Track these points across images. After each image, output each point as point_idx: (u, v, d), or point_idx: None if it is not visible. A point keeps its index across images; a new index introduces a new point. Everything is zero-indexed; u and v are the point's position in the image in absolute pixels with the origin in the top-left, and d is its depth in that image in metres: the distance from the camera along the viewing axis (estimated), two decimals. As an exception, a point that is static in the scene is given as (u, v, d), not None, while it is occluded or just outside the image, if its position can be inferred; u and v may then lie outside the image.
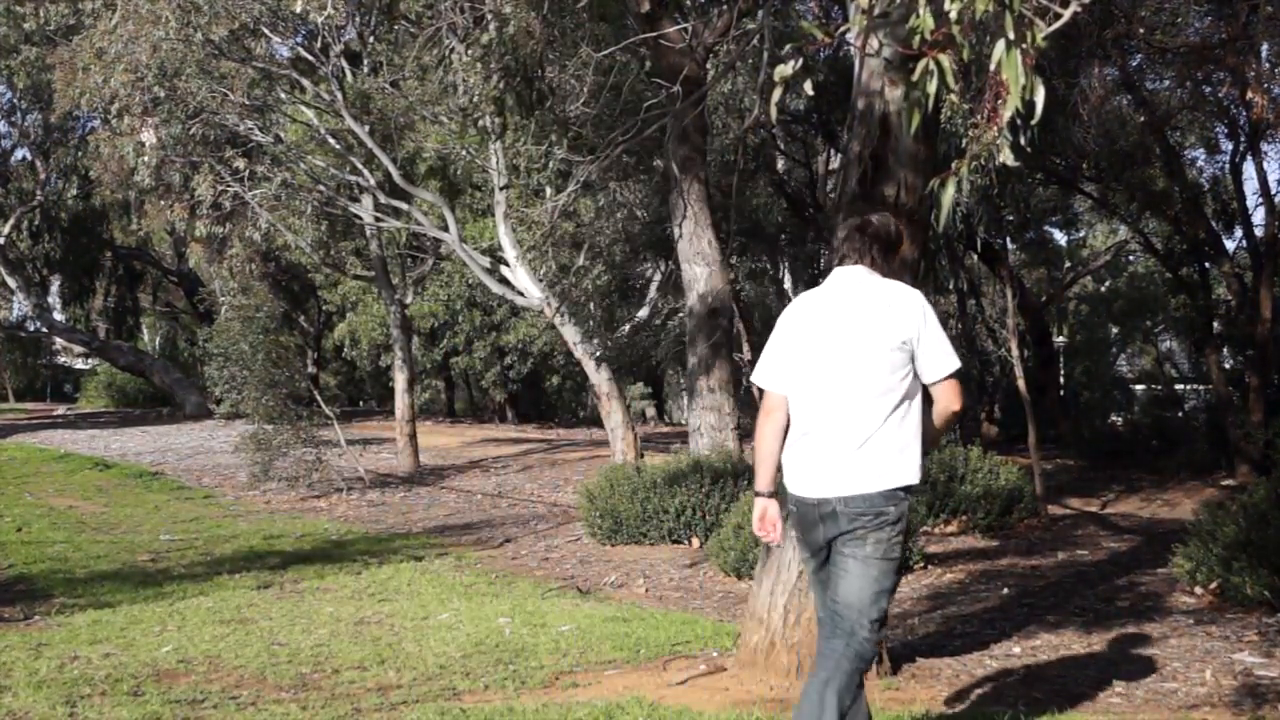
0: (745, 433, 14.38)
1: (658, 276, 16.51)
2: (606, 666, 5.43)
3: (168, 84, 12.33)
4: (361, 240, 18.09)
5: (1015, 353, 11.93)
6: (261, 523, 11.80)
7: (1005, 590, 7.64)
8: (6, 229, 23.63)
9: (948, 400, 3.56)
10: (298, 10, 11.74)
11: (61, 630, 6.53)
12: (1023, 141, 3.33)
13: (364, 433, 20.40)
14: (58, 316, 27.89)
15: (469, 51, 9.39)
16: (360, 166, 14.16)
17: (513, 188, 13.87)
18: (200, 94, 12.66)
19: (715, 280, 10.60)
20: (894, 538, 3.49)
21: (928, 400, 3.65)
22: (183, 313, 33.65)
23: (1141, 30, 10.13)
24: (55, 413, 26.50)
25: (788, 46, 3.35)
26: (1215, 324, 15.10)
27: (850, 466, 3.47)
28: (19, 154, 24.70)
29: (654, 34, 9.27)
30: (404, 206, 14.25)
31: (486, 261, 13.21)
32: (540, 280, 12.86)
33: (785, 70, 3.22)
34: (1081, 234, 24.12)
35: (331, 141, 14.52)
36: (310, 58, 13.57)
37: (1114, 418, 19.93)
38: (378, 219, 14.94)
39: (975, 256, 17.89)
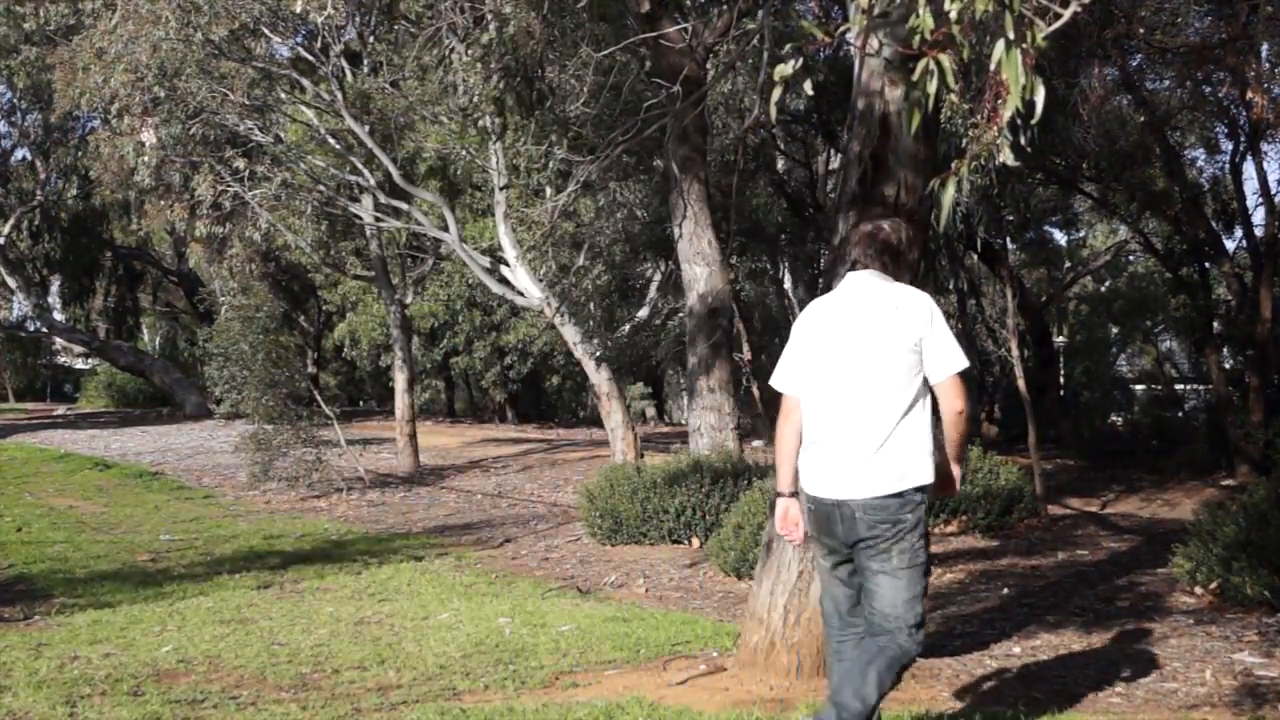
0: (745, 433, 14.40)
1: (658, 276, 16.51)
2: (606, 666, 5.43)
3: (168, 84, 12.33)
4: (361, 240, 18.10)
5: (1015, 353, 11.93)
6: (261, 523, 11.80)
7: (1005, 590, 7.64)
8: (6, 229, 23.64)
9: (950, 399, 3.61)
10: (298, 10, 11.74)
11: (61, 630, 6.53)
12: (1023, 141, 3.33)
13: (364, 433, 20.41)
14: (58, 316, 27.89)
15: (469, 51, 9.39)
16: (360, 166, 14.17)
17: (513, 188, 13.87)
18: (200, 94, 12.66)
19: (715, 280, 10.60)
20: (916, 544, 3.60)
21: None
22: (183, 313, 33.65)
23: (1141, 30, 10.12)
24: (55, 413, 26.51)
25: (788, 46, 3.35)
26: (1215, 324, 15.10)
27: (866, 468, 3.56)
28: (19, 154, 24.73)
29: (654, 34, 9.27)
30: (404, 206, 14.25)
31: (486, 261, 13.21)
32: (540, 280, 12.86)
33: (785, 70, 3.22)
34: (1081, 234, 24.12)
35: (331, 141, 14.52)
36: (310, 58, 13.57)
37: (1114, 418, 19.93)
38: (378, 219, 14.94)
39: (975, 256, 17.90)
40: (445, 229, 13.66)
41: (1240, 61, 10.27)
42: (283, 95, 14.05)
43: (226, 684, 5.15)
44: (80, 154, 21.95)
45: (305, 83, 13.57)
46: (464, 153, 14.01)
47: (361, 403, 32.30)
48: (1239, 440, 13.02)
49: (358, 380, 31.93)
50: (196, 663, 5.55)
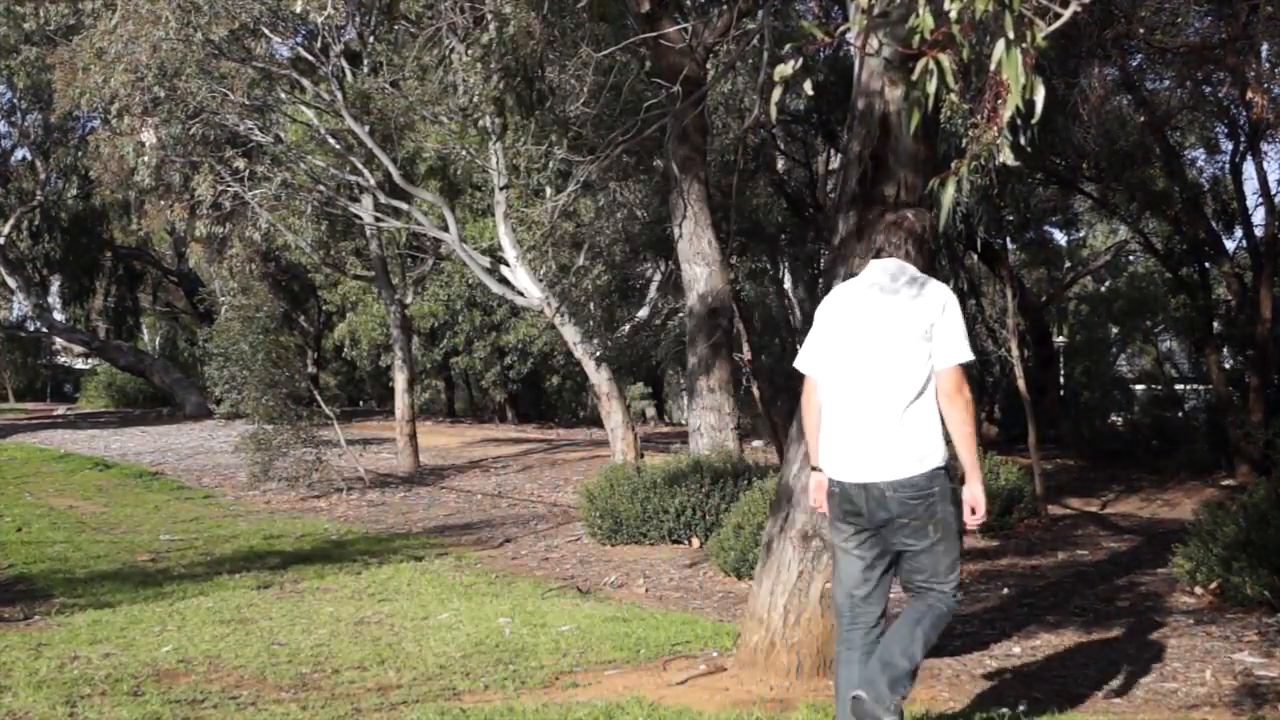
0: (745, 433, 14.40)
1: (658, 276, 16.51)
2: (606, 666, 5.43)
3: (168, 84, 12.33)
4: (361, 240, 18.10)
5: (1015, 353, 11.92)
6: (261, 523, 11.80)
7: (1005, 590, 7.64)
8: (6, 229, 23.63)
9: (947, 384, 3.67)
10: (298, 10, 11.74)
11: (61, 630, 6.53)
12: (1023, 141, 3.34)
13: (364, 433, 20.41)
14: (58, 316, 27.89)
15: (469, 51, 9.38)
16: (360, 166, 14.16)
17: (513, 188, 13.87)
18: (200, 94, 12.66)
19: (715, 280, 10.60)
20: (947, 512, 3.71)
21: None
22: (183, 313, 33.65)
23: (1141, 30, 10.12)
24: (55, 413, 26.50)
25: (788, 46, 3.35)
26: (1215, 324, 15.09)
27: (887, 450, 3.66)
28: (19, 154, 24.72)
29: (654, 34, 9.27)
30: (404, 206, 14.25)
31: (486, 261, 13.21)
32: (540, 280, 12.86)
33: (785, 70, 3.22)
34: (1081, 234, 24.11)
35: (331, 141, 14.52)
36: (310, 58, 13.57)
37: (1114, 418, 19.92)
38: (378, 219, 14.94)
39: (975, 256, 17.89)
40: (445, 229, 13.66)
41: (1240, 61, 10.27)
42: (283, 95, 14.05)
43: (226, 684, 5.15)
44: (80, 154, 21.95)
45: (305, 83, 13.57)
46: (464, 153, 14.01)
47: (361, 403, 32.29)
48: (1239, 440, 13.01)
49: (358, 380, 31.92)
50: (196, 663, 5.55)
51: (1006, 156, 3.16)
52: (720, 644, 5.80)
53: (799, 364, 4.00)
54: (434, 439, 19.73)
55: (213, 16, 11.74)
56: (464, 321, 22.62)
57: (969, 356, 3.69)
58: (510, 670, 5.33)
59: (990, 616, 6.83)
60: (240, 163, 13.95)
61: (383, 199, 14.41)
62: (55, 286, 29.99)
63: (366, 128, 13.63)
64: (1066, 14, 2.95)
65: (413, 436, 16.33)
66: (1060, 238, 22.34)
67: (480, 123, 11.82)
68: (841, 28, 3.51)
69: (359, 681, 5.18)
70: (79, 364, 36.61)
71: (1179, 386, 18.86)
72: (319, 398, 15.91)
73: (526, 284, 12.60)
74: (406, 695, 4.91)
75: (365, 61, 14.57)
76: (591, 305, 15.56)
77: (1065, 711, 4.70)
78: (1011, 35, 2.86)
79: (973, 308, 20.55)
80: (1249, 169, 14.50)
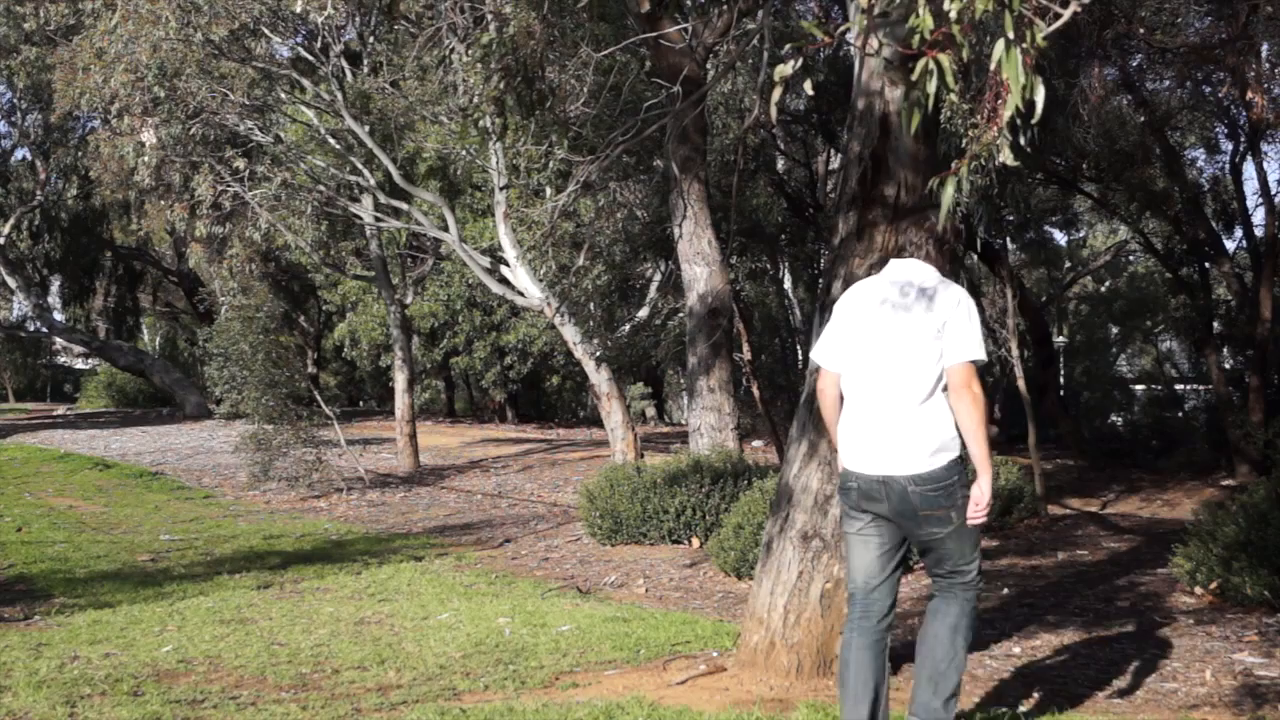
0: (745, 433, 14.39)
1: (658, 276, 16.51)
2: (606, 666, 5.43)
3: (168, 84, 12.33)
4: (361, 240, 18.10)
5: (1015, 353, 11.92)
6: (261, 523, 11.80)
7: (1005, 590, 7.64)
8: (6, 229, 23.63)
9: (955, 381, 3.74)
10: (298, 10, 11.75)
11: (61, 630, 6.53)
12: (1023, 141, 3.34)
13: (364, 433, 20.41)
14: (58, 316, 27.89)
15: (469, 52, 9.38)
16: (360, 166, 14.17)
17: (513, 188, 13.87)
18: (200, 94, 12.66)
19: (715, 280, 10.60)
20: (964, 496, 3.80)
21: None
22: (183, 313, 33.65)
23: (1141, 30, 10.12)
24: (55, 413, 26.51)
25: (788, 46, 3.35)
26: (1215, 324, 15.09)
27: (908, 443, 3.75)
28: (19, 154, 24.72)
29: (654, 34, 9.27)
30: (404, 206, 14.26)
31: (486, 261, 13.21)
32: (540, 280, 12.86)
33: (785, 70, 3.22)
34: (1081, 234, 24.10)
35: (331, 141, 14.52)
36: (310, 58, 13.58)
37: (1114, 418, 19.92)
38: (378, 219, 14.94)
39: (975, 256, 17.88)
40: (445, 229, 13.66)
41: (1240, 61, 10.27)
42: (283, 95, 14.05)
43: (226, 684, 5.15)
44: (80, 154, 21.94)
45: (305, 83, 13.57)
46: (464, 153, 14.01)
47: (361, 403, 32.29)
48: (1239, 440, 13.01)
49: (358, 380, 31.91)
50: (196, 663, 5.55)
51: (1006, 156, 3.16)
52: (720, 644, 5.80)
53: (815, 356, 4.11)
54: (434, 439, 19.73)
55: (213, 16, 11.74)
56: (464, 321, 22.60)
57: (980, 355, 3.75)
58: (510, 670, 5.33)
59: (990, 616, 6.83)
60: (240, 163, 13.96)
61: (383, 199, 14.41)
62: (55, 286, 29.98)
63: (366, 128, 13.63)
64: (1066, 14, 2.95)
65: (413, 436, 16.33)
66: (1060, 238, 22.35)
67: (480, 123, 11.81)
68: (841, 28, 3.51)
69: (359, 681, 5.18)
70: (79, 364, 36.61)
71: (1179, 386, 18.86)
72: (319, 398, 15.91)
73: (526, 284, 12.59)
74: (406, 695, 4.91)
75: (365, 61, 14.57)
76: (591, 305, 15.56)
77: (1065, 711, 4.70)
78: (1011, 35, 2.86)
79: (973, 308, 20.50)
80: (1249, 169, 14.52)
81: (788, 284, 19.81)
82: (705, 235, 10.57)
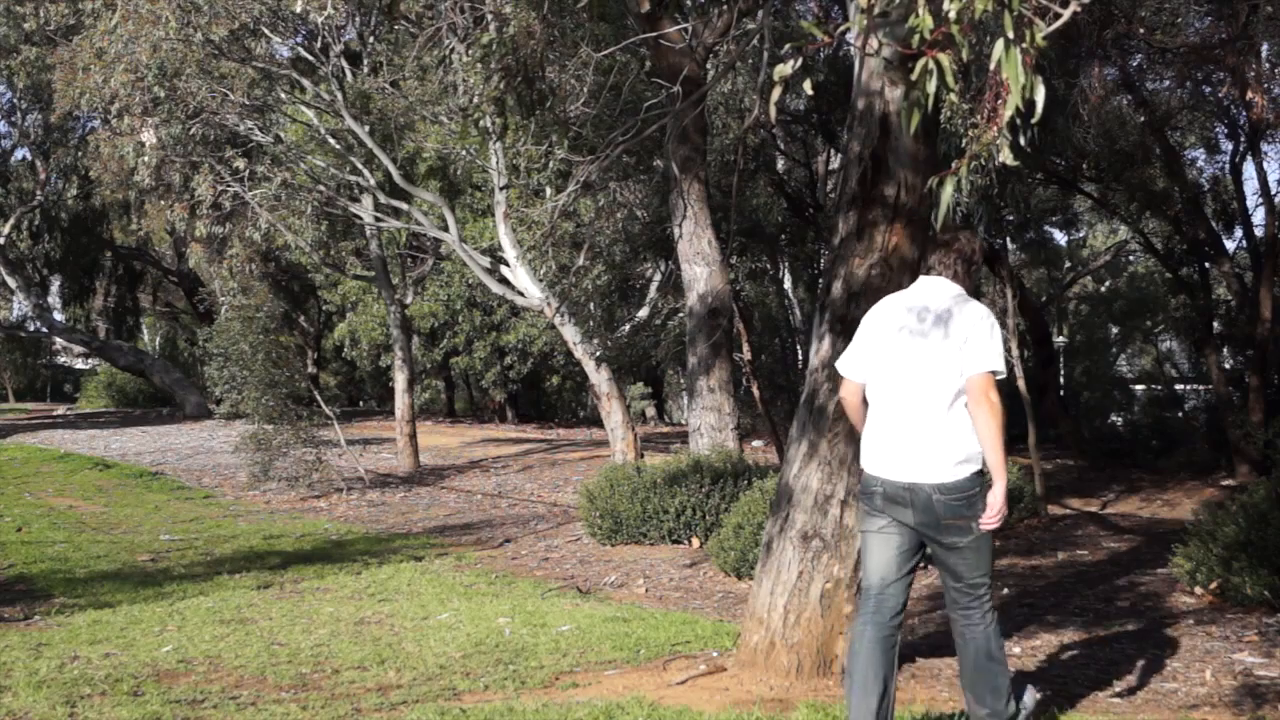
0: (745, 433, 14.38)
1: (658, 276, 16.50)
2: (606, 666, 5.42)
3: (168, 84, 12.33)
4: (361, 240, 18.09)
5: (1015, 353, 11.92)
6: (261, 523, 11.80)
7: (1005, 590, 7.64)
8: (6, 229, 23.63)
9: (973, 390, 3.87)
10: (298, 10, 11.75)
11: (61, 630, 6.53)
12: (1023, 141, 3.34)
13: (364, 433, 20.41)
14: (58, 316, 27.88)
15: (469, 52, 9.38)
16: (360, 166, 14.16)
17: (513, 188, 13.87)
18: (200, 94, 12.66)
19: (715, 280, 10.60)
20: (982, 507, 3.94)
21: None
22: (183, 313, 33.64)
23: (1141, 30, 10.12)
24: (55, 413, 26.50)
25: (787, 46, 3.34)
26: (1215, 324, 15.07)
27: (934, 453, 3.90)
28: (19, 154, 24.72)
29: (654, 34, 9.27)
30: (404, 206, 14.25)
31: (486, 261, 13.21)
32: (540, 280, 12.85)
33: (785, 70, 3.22)
34: (1081, 234, 24.09)
35: (331, 141, 14.52)
36: (310, 58, 13.57)
37: (1114, 418, 19.91)
38: (378, 219, 14.94)
39: (975, 256, 17.85)
40: (445, 229, 13.66)
41: (1240, 61, 10.26)
42: (283, 95, 14.05)
43: (226, 684, 5.15)
44: (80, 154, 21.93)
45: (305, 83, 13.57)
46: (464, 153, 14.01)
47: (361, 403, 32.28)
48: (1239, 440, 12.99)
49: (358, 380, 31.90)
50: (196, 663, 5.55)
51: (1006, 156, 3.16)
52: (720, 644, 5.80)
53: (841, 368, 4.25)
54: (434, 439, 19.73)
55: (213, 16, 11.74)
56: (464, 321, 22.60)
57: (999, 367, 3.89)
58: (510, 670, 5.33)
59: (990, 616, 6.82)
60: (240, 163, 13.96)
61: (383, 199, 14.41)
62: (55, 286, 29.98)
63: (366, 128, 13.63)
64: (1066, 14, 2.95)
65: (413, 436, 16.32)
66: (1060, 238, 22.34)
67: (480, 123, 11.82)
68: (841, 28, 3.51)
69: (359, 681, 5.18)
70: (79, 364, 36.60)
71: (1179, 386, 18.84)
72: (319, 398, 15.91)
73: (526, 284, 12.59)
74: (406, 695, 4.91)
75: (365, 61, 14.57)
76: (591, 305, 15.56)
77: (1065, 712, 4.71)
78: (1011, 35, 2.86)
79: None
80: (1249, 169, 14.51)
81: (788, 284, 19.80)
82: (705, 235, 10.57)
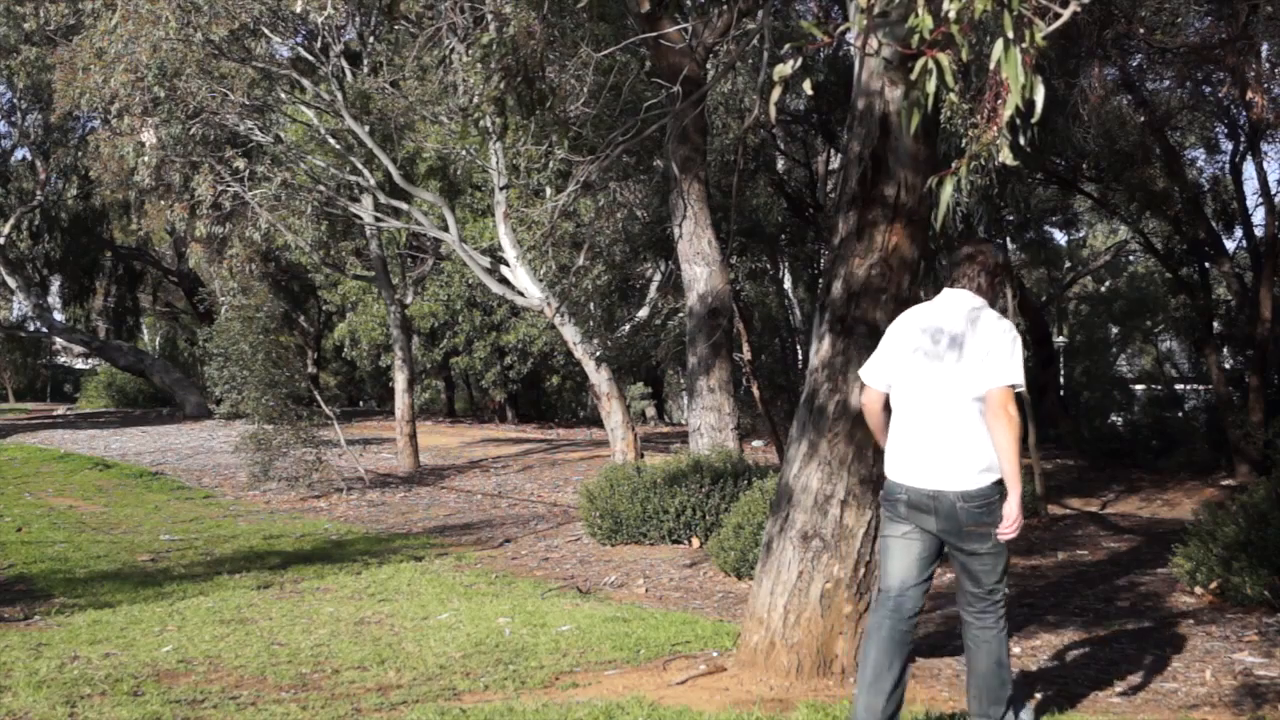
0: (745, 433, 14.38)
1: (658, 276, 16.50)
2: (606, 666, 5.42)
3: (168, 84, 12.34)
4: (361, 240, 18.10)
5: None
6: (261, 523, 11.80)
7: (1005, 590, 7.63)
8: (6, 229, 23.63)
9: (992, 404, 3.95)
10: (298, 10, 11.75)
11: (61, 630, 6.53)
12: (1023, 141, 3.34)
13: (364, 433, 20.41)
14: (58, 316, 27.89)
15: (469, 52, 9.38)
16: (360, 166, 14.16)
17: (513, 188, 13.87)
18: (200, 94, 12.66)
19: (715, 280, 10.60)
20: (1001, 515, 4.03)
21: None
22: (183, 313, 33.65)
23: (1141, 30, 10.11)
24: (55, 413, 26.51)
25: (787, 46, 3.34)
26: (1215, 324, 15.07)
27: (957, 461, 3.99)
28: (19, 154, 24.72)
29: (654, 34, 9.27)
30: (404, 206, 14.25)
31: (486, 261, 13.21)
32: (540, 280, 12.85)
33: (785, 70, 3.22)
34: (1081, 234, 24.09)
35: (331, 141, 14.52)
36: (310, 58, 13.57)
37: (1114, 418, 19.91)
38: (378, 219, 14.94)
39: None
40: (445, 229, 13.66)
41: (1240, 61, 10.26)
42: (283, 95, 14.05)
43: (226, 684, 5.15)
44: (80, 154, 21.94)
45: (305, 83, 13.57)
46: (464, 153, 14.01)
47: (361, 403, 32.29)
48: (1239, 440, 12.99)
49: (358, 380, 31.91)
50: (196, 663, 5.55)
51: (1006, 156, 3.16)
52: (720, 644, 5.80)
53: (865, 376, 4.35)
54: (434, 439, 19.73)
55: (213, 16, 11.75)
56: (464, 321, 22.61)
57: (1019, 380, 3.96)
58: (510, 670, 5.33)
59: (990, 616, 6.82)
60: (240, 163, 13.96)
61: (383, 199, 14.41)
62: (55, 286, 29.99)
63: (366, 128, 13.63)
64: (1066, 14, 2.95)
65: (413, 436, 16.32)
66: (1060, 238, 22.34)
67: (480, 123, 11.82)
68: (841, 28, 3.51)
69: (359, 681, 5.18)
70: (79, 364, 36.62)
71: (1179, 386, 18.84)
72: (319, 398, 15.91)
73: (526, 284, 12.59)
74: (406, 695, 4.91)
75: (365, 61, 14.57)
76: (591, 305, 15.56)
77: (1065, 711, 4.71)
78: (1011, 35, 2.86)
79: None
80: (1249, 169, 14.51)
81: (788, 284, 19.80)
82: (705, 235, 10.57)
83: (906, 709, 4.59)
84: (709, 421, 10.60)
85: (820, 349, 5.10)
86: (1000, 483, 3.98)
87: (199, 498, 13.65)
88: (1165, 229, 15.88)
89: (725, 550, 8.26)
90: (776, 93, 3.28)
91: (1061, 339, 22.15)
